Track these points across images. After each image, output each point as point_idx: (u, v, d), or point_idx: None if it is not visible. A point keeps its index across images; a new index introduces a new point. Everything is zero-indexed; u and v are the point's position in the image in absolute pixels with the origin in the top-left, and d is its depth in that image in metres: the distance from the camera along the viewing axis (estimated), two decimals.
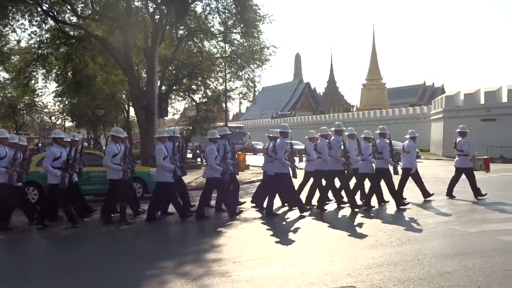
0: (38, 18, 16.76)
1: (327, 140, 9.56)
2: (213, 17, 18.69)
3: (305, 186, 10.43)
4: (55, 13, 16.79)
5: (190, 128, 27.21)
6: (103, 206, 8.69)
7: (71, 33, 18.27)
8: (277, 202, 9.58)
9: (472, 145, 11.53)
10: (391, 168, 9.97)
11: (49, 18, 16.88)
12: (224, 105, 26.24)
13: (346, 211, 9.38)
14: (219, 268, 5.33)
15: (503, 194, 11.51)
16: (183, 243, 7.23)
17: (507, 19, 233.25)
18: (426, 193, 10.66)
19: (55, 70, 20.26)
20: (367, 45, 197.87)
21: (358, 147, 9.62)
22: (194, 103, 27.07)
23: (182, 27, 19.38)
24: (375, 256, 5.65)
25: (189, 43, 20.33)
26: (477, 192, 10.64)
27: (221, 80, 23.68)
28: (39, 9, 16.36)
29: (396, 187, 10.01)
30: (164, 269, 5.42)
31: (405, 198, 10.12)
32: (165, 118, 25.68)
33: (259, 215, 9.15)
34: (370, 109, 57.09)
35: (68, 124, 47.56)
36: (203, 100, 26.07)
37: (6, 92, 32.30)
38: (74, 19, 18.08)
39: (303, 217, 8.80)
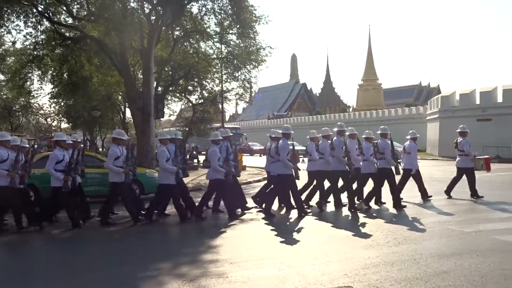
0: (34, 19, 16.67)
1: (329, 141, 9.58)
2: (209, 18, 18.73)
3: (310, 187, 10.34)
4: (51, 14, 16.71)
5: (187, 129, 27.20)
6: (102, 207, 8.65)
7: (67, 34, 18.18)
8: (276, 202, 9.59)
9: (472, 145, 11.56)
10: (393, 168, 9.99)
11: (44, 19, 16.79)
12: (220, 106, 26.27)
13: (343, 211, 9.38)
14: (216, 269, 5.32)
15: (500, 193, 11.58)
16: (180, 244, 7.22)
17: (502, 19, 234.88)
18: (425, 194, 10.70)
19: (50, 72, 20.11)
20: (363, 45, 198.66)
21: (359, 147, 9.64)
22: (191, 104, 27.10)
23: (178, 28, 19.34)
24: (372, 256, 5.66)
25: (185, 44, 20.29)
26: (474, 192, 10.68)
27: (217, 81, 23.69)
28: (35, 10, 16.27)
29: None
30: (161, 270, 5.41)
31: (402, 198, 10.14)
32: (162, 119, 25.69)
33: (256, 216, 9.14)
34: (366, 109, 57.26)
35: (64, 125, 47.39)
36: (200, 101, 26.10)
37: (2, 93, 32.20)
38: (70, 20, 18.01)
39: (301, 217, 8.80)
